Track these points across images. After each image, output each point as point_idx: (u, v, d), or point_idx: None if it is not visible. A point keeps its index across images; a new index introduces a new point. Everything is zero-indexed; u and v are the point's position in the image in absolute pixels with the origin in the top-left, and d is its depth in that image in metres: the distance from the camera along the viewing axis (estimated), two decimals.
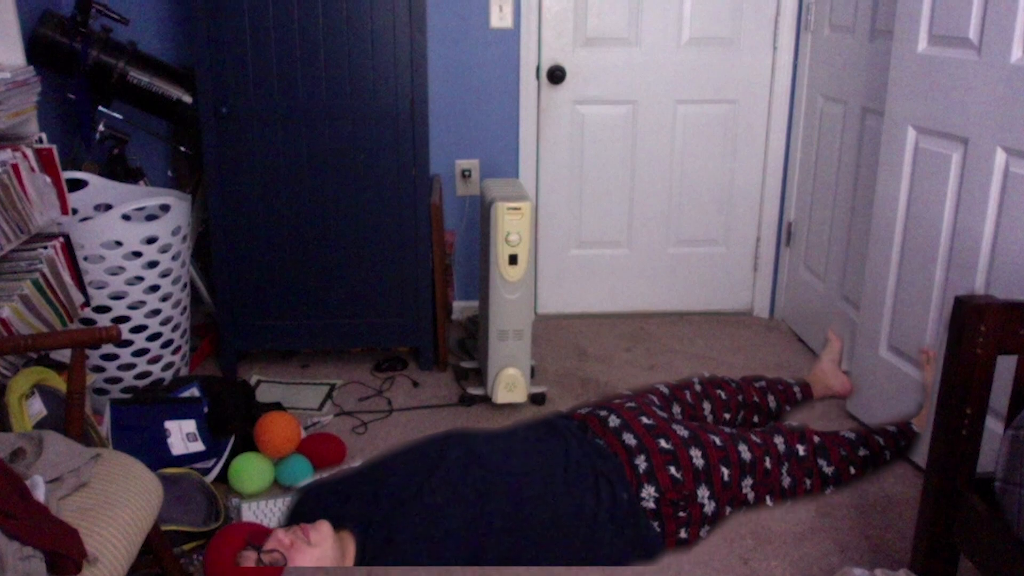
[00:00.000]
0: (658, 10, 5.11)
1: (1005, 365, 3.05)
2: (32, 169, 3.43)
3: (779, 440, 3.32)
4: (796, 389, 4.04)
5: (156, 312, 4.17)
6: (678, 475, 3.04)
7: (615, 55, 5.17)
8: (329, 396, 4.50)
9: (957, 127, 3.51)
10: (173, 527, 3.23)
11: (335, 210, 4.46)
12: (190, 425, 3.77)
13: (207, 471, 3.70)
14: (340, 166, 4.40)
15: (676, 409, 3.54)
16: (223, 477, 3.72)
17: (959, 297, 2.66)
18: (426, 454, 2.95)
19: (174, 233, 4.17)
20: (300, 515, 2.80)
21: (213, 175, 4.38)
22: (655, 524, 3.01)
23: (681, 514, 3.04)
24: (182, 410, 3.80)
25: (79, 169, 4.50)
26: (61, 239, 3.64)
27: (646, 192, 5.40)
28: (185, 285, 4.39)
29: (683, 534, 3.09)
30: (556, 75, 5.11)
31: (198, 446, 3.73)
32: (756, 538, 3.45)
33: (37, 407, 3.09)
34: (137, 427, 3.69)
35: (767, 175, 5.41)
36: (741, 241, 5.55)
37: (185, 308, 4.43)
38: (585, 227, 5.45)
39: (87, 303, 3.81)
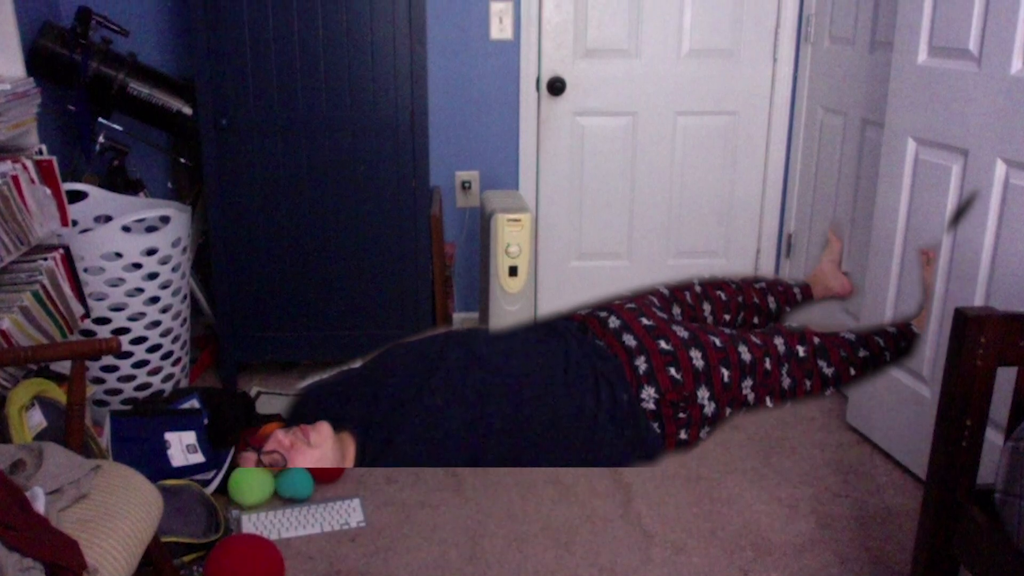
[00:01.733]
0: (658, 22, 5.12)
1: (1005, 377, 3.04)
2: (32, 181, 3.43)
3: (779, 341, 3.28)
4: (796, 290, 3.99)
5: (156, 324, 4.17)
6: (678, 376, 3.01)
7: (615, 67, 5.18)
8: None
9: (957, 138, 3.51)
10: (173, 539, 3.23)
11: (335, 222, 4.46)
12: (190, 437, 3.77)
13: (207, 483, 3.70)
14: (340, 178, 4.40)
15: (676, 310, 3.51)
16: (223, 489, 3.72)
17: (959, 309, 2.66)
18: (426, 355, 2.92)
19: (174, 245, 4.17)
20: (300, 416, 2.78)
21: (213, 187, 4.38)
22: (655, 425, 2.98)
23: (681, 415, 3.01)
24: (182, 422, 3.80)
25: (79, 181, 4.50)
26: (61, 251, 3.64)
27: (646, 204, 5.41)
28: (185, 297, 4.39)
29: (683, 435, 3.05)
30: (556, 87, 5.11)
31: (198, 458, 3.73)
32: (756, 550, 3.45)
33: (37, 419, 3.09)
34: (137, 439, 3.69)
35: (767, 187, 5.41)
36: (741, 252, 5.56)
37: (185, 320, 4.43)
38: (585, 238, 5.46)
39: (87, 315, 3.81)
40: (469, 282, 5.49)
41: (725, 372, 3.08)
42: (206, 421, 3.86)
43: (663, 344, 3.03)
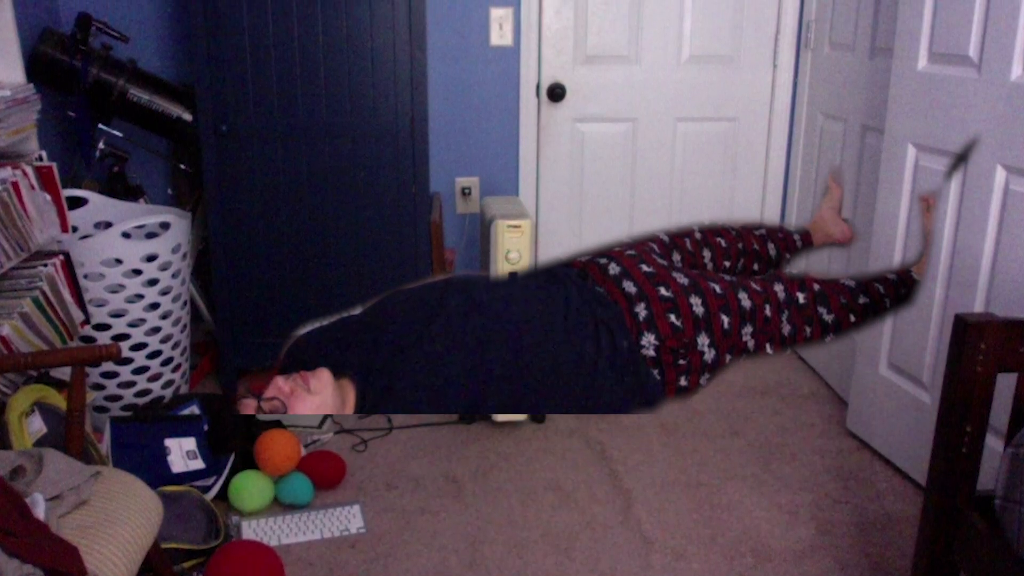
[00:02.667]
0: (658, 28, 5.12)
1: (1005, 383, 3.04)
2: (32, 187, 3.43)
3: (779, 288, 3.26)
4: (796, 237, 3.97)
5: (156, 330, 4.17)
6: (678, 323, 3.00)
7: (615, 73, 5.18)
8: (329, 414, 4.50)
9: (957, 145, 3.51)
10: (173, 545, 3.23)
11: (335, 228, 4.46)
12: (190, 443, 3.77)
13: (207, 489, 3.70)
14: (340, 184, 4.41)
15: (676, 257, 3.49)
16: (223, 495, 3.72)
17: (959, 315, 2.66)
18: (426, 302, 2.91)
19: (174, 251, 4.17)
20: (300, 363, 2.77)
21: (213, 193, 4.38)
22: (655, 372, 2.96)
23: (681, 362, 2.99)
24: (182, 428, 3.80)
25: (79, 187, 4.50)
26: (61, 257, 3.64)
27: (646, 210, 5.41)
28: (185, 303, 4.39)
29: (683, 382, 3.03)
30: (556, 93, 5.12)
31: (198, 464, 3.73)
32: (756, 556, 3.45)
33: (37, 425, 3.09)
34: (137, 445, 3.69)
35: (767, 193, 5.41)
36: None
37: (185, 326, 4.43)
38: (585, 244, 5.45)
39: (87, 321, 3.81)
40: None
41: (725, 319, 3.07)
42: (206, 427, 3.86)
43: (663, 291, 3.02)
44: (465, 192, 5.27)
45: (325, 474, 3.83)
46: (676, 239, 3.55)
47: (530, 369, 2.79)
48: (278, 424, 4.12)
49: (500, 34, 5.06)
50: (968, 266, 3.49)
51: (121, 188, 4.64)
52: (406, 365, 2.68)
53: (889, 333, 4.00)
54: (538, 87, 5.15)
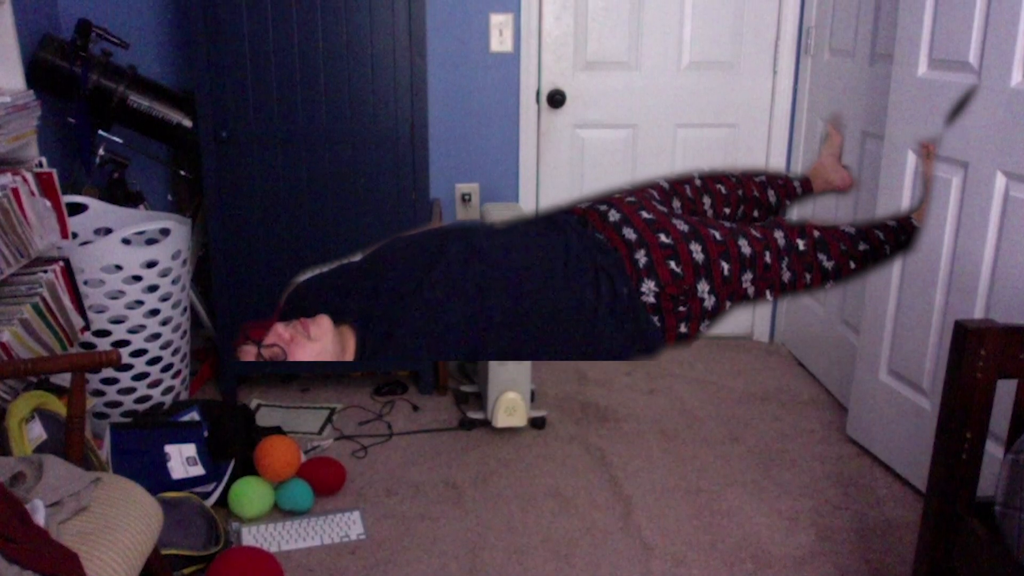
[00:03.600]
0: (658, 34, 5.13)
1: (1005, 389, 3.04)
2: (32, 193, 3.43)
3: (779, 235, 3.24)
4: (796, 184, 3.95)
5: (156, 336, 4.17)
6: (678, 270, 2.98)
7: (615, 79, 5.19)
8: (329, 420, 4.50)
9: (957, 151, 3.51)
10: (173, 551, 3.22)
11: (335, 234, 4.46)
12: (190, 449, 3.76)
13: (207, 495, 3.69)
14: (340, 190, 4.41)
15: (676, 204, 3.47)
16: (223, 501, 3.72)
17: (959, 321, 2.66)
18: (426, 249, 2.90)
19: (174, 257, 4.17)
20: (299, 309, 2.77)
21: (213, 199, 4.38)
22: (655, 319, 2.96)
23: (681, 309, 2.98)
24: (182, 434, 3.80)
25: (79, 193, 4.50)
26: (61, 263, 3.64)
27: None
28: (185, 309, 4.39)
29: (683, 329, 3.02)
30: (556, 99, 5.12)
31: (198, 470, 3.73)
32: (756, 562, 3.44)
33: (37, 431, 3.08)
34: (137, 451, 3.68)
35: None
36: None
37: (185, 332, 4.43)
38: None
39: (87, 327, 3.81)
40: None
41: (725, 265, 3.06)
42: (206, 433, 3.86)
43: (663, 237, 3.01)
44: (465, 198, 5.27)
45: (325, 480, 3.83)
46: (676, 186, 3.52)
47: (530, 316, 2.78)
48: (278, 430, 4.12)
49: (500, 40, 5.06)
50: (968, 272, 3.49)
51: (121, 194, 4.64)
52: (406, 312, 2.67)
53: (889, 339, 4.00)
54: (538, 93, 5.15)
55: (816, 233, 3.32)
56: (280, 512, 3.75)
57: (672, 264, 2.98)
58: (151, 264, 4.07)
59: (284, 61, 4.25)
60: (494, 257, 2.90)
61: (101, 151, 4.55)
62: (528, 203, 5.30)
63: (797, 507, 3.81)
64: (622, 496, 3.88)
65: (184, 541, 3.31)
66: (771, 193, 3.78)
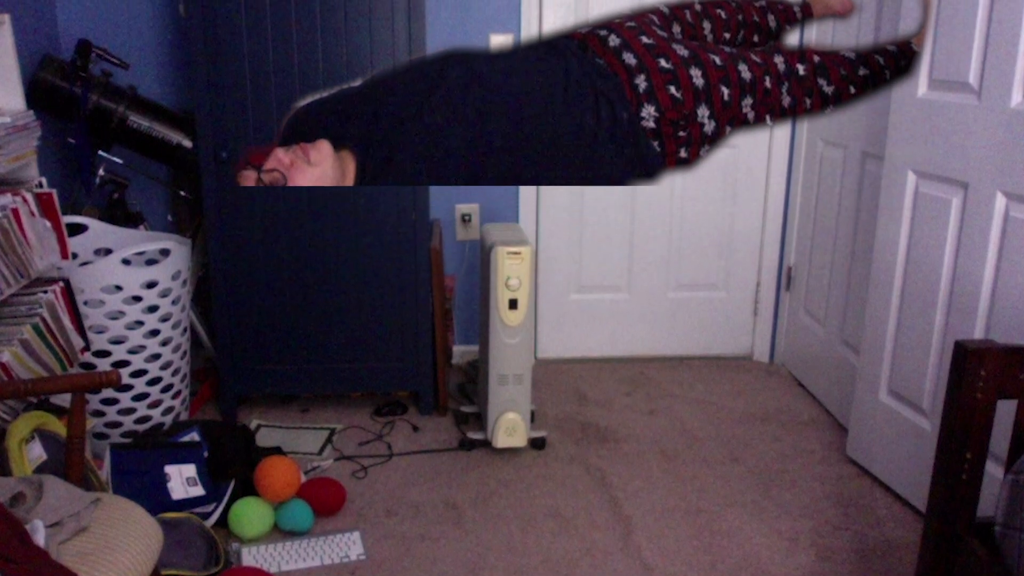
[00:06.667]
0: None
1: (1005, 410, 3.04)
2: (32, 213, 3.44)
3: (779, 60, 3.22)
4: (796, 8, 3.93)
5: (156, 356, 4.17)
6: (678, 95, 2.97)
7: None
8: (329, 440, 4.49)
9: (957, 171, 3.52)
10: (173, 572, 3.22)
11: (335, 254, 4.47)
12: (190, 469, 3.76)
13: (207, 516, 3.69)
14: (340, 210, 4.41)
15: (676, 29, 3.43)
16: (223, 522, 3.72)
17: (959, 342, 2.66)
18: (426, 73, 2.88)
19: (174, 277, 4.18)
20: (299, 134, 2.75)
21: (213, 219, 4.38)
22: (655, 144, 2.94)
23: (681, 134, 2.97)
24: (182, 454, 3.79)
25: (79, 213, 4.51)
26: (61, 283, 3.64)
27: (646, 236, 5.42)
28: (185, 329, 4.39)
29: (683, 154, 3.01)
30: None
31: (198, 491, 3.72)
32: None
33: (37, 451, 3.08)
34: (137, 471, 3.68)
35: (767, 219, 5.42)
36: (741, 285, 5.56)
37: (185, 352, 4.43)
38: (585, 271, 5.46)
39: (87, 347, 3.81)
40: (469, 315, 5.49)
41: (725, 90, 3.04)
42: (206, 454, 3.86)
43: (663, 62, 2.99)
44: (465, 219, 5.28)
45: (325, 501, 3.83)
46: (676, 11, 3.48)
47: (530, 141, 2.77)
48: (278, 451, 4.12)
49: None
50: (968, 292, 3.49)
51: (121, 215, 4.65)
52: (406, 136, 2.67)
53: (889, 360, 4.00)
54: None
55: (816, 58, 3.30)
56: (280, 533, 3.74)
57: (672, 89, 2.96)
58: (151, 284, 4.08)
59: (284, 81, 4.25)
60: (494, 82, 2.88)
61: (101, 171, 4.56)
62: (528, 223, 5.30)
63: (797, 527, 3.80)
64: (622, 516, 3.88)
65: (184, 562, 3.31)
66: (771, 18, 3.75)
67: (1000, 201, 3.33)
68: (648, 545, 3.68)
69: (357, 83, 2.96)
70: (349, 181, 2.61)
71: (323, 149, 2.58)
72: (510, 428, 4.26)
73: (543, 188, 5.29)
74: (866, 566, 3.54)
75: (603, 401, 5.03)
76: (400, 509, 3.92)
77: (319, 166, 2.55)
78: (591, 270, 5.47)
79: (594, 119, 2.87)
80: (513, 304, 4.10)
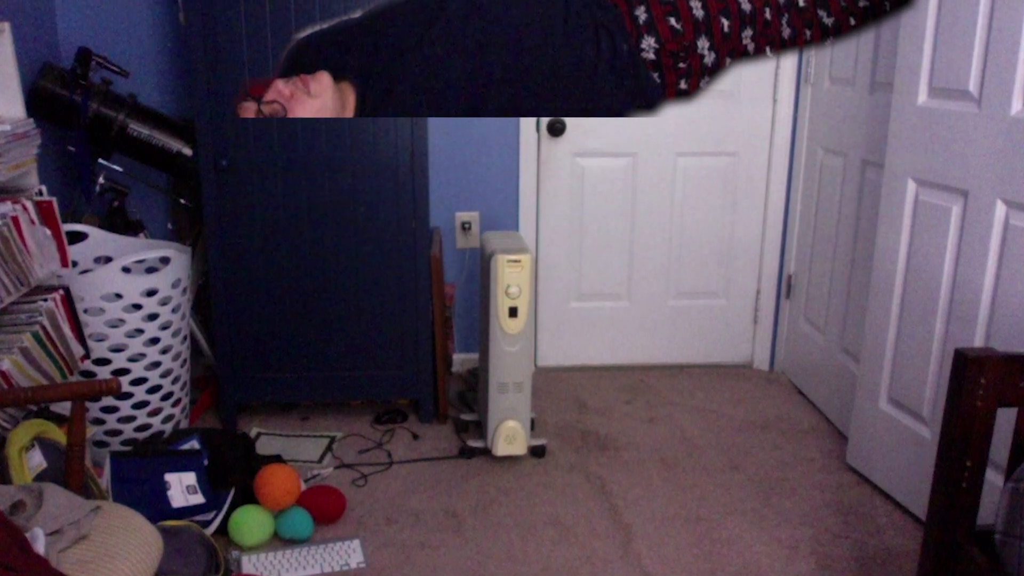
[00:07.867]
0: None
1: (1005, 417, 3.04)
2: (32, 221, 3.44)
3: None
4: None
5: (156, 364, 4.17)
6: (678, 26, 2.95)
7: None
8: (329, 448, 4.49)
9: (957, 179, 3.52)
10: None
11: (335, 262, 4.47)
12: (190, 477, 3.76)
13: (207, 523, 3.69)
14: (340, 218, 4.41)
15: None
16: (223, 530, 3.72)
17: (959, 349, 2.66)
18: (426, 5, 2.86)
19: (174, 285, 4.18)
20: (299, 66, 2.75)
21: (213, 227, 4.38)
22: (655, 75, 2.94)
23: (681, 65, 2.96)
24: (182, 462, 3.79)
25: (79, 221, 4.51)
26: (61, 291, 3.64)
27: (646, 244, 5.42)
28: (185, 337, 4.39)
29: (683, 85, 3.00)
30: (556, 127, 5.12)
31: (198, 498, 3.72)
32: None
33: (37, 459, 3.08)
34: (137, 479, 3.68)
35: (767, 228, 5.42)
36: (741, 294, 5.56)
37: (185, 360, 4.42)
38: (585, 279, 5.46)
39: (87, 355, 3.81)
40: (469, 323, 5.49)
41: (725, 22, 3.03)
42: (206, 462, 3.85)
43: None
44: (465, 227, 5.28)
45: (325, 509, 3.82)
46: None
47: (530, 72, 2.77)
48: (278, 459, 4.11)
49: None
50: (968, 300, 3.49)
51: (121, 223, 4.65)
52: (406, 68, 2.66)
53: (889, 368, 4.00)
54: (538, 122, 5.15)
55: None
56: (280, 541, 3.74)
57: (672, 20, 2.96)
58: (151, 292, 4.08)
59: None
60: (494, 13, 2.88)
61: (101, 179, 4.56)
62: (528, 231, 5.30)
63: (797, 535, 3.80)
64: (622, 525, 3.88)
65: (184, 570, 3.31)
66: None
67: (1000, 209, 3.33)
68: (648, 553, 3.68)
69: (357, 15, 2.95)
70: (349, 113, 2.61)
71: (323, 81, 2.58)
72: (510, 436, 4.26)
73: (543, 196, 5.29)
74: (866, 574, 3.54)
75: (603, 409, 5.03)
76: (400, 517, 3.92)
77: (319, 97, 2.55)
78: (591, 278, 5.47)
79: (594, 51, 2.87)
80: (513, 312, 4.10)
